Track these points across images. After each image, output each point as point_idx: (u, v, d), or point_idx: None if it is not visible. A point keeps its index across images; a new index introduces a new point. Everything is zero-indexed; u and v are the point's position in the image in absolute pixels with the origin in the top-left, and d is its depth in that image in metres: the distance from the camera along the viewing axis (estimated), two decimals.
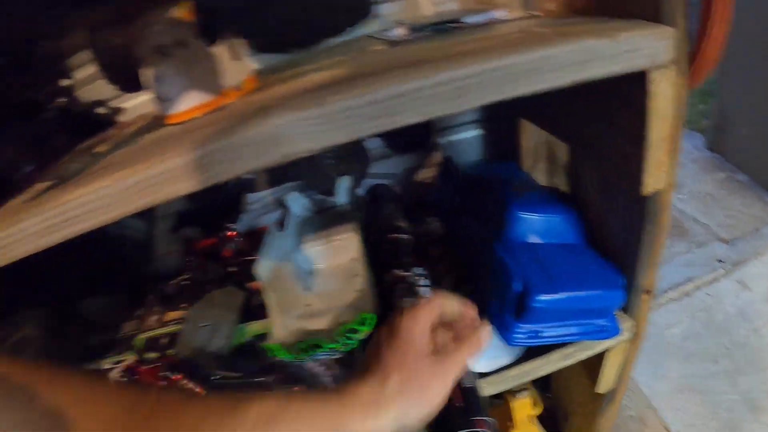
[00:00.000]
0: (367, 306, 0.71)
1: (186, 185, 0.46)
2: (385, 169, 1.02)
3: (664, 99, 0.55)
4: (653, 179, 0.62)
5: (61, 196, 0.50)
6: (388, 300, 0.71)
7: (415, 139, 0.99)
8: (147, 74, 0.60)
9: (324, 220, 0.90)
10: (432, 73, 0.45)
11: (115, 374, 0.93)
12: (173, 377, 0.76)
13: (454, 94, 0.46)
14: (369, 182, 0.99)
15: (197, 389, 0.75)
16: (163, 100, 0.61)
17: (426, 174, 1.01)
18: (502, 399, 1.00)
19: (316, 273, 0.85)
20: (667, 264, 1.84)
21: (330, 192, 0.96)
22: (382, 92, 0.44)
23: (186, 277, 1.01)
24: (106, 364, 0.97)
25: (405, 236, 0.81)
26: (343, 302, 0.79)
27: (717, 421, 1.35)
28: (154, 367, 0.80)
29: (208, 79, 0.60)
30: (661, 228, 0.68)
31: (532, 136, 0.96)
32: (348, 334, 0.66)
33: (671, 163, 0.61)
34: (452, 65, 0.45)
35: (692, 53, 0.56)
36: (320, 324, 0.75)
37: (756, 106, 2.13)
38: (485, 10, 0.74)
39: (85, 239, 1.00)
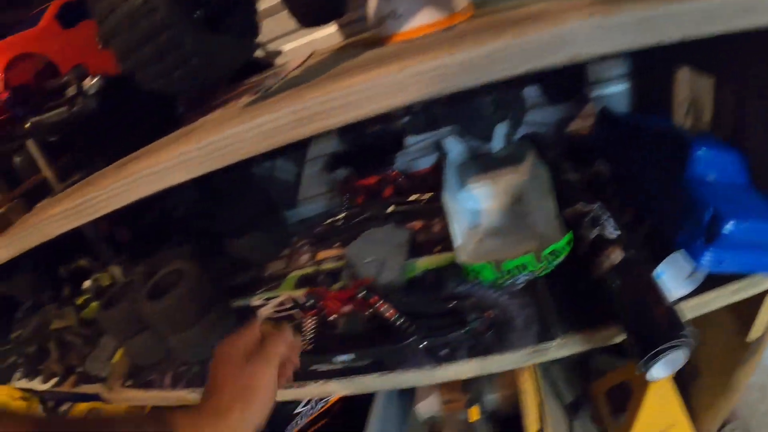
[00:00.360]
0: (555, 235, 0.83)
1: (477, 77, 0.54)
2: (539, 119, 1.14)
3: None
4: None
5: (309, 93, 0.57)
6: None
7: (569, 90, 1.11)
8: None
9: (489, 162, 1.03)
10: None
11: (267, 309, 1.08)
12: (371, 299, 0.88)
13: (701, 19, 0.58)
14: (523, 131, 1.13)
15: (390, 312, 0.87)
16: (395, 17, 0.71)
17: (578, 125, 1.13)
18: None
19: (484, 211, 0.98)
20: None
21: (486, 138, 1.09)
22: (650, 13, 0.56)
23: (339, 217, 1.15)
24: (256, 300, 1.12)
25: (575, 175, 0.93)
26: (518, 236, 0.92)
27: None
28: (345, 291, 0.93)
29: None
30: None
31: (682, 89, 1.07)
32: (551, 256, 0.78)
33: None
34: None
35: None
36: (502, 255, 0.87)
37: None
38: None
39: (235, 180, 1.14)
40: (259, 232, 1.17)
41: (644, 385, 1.12)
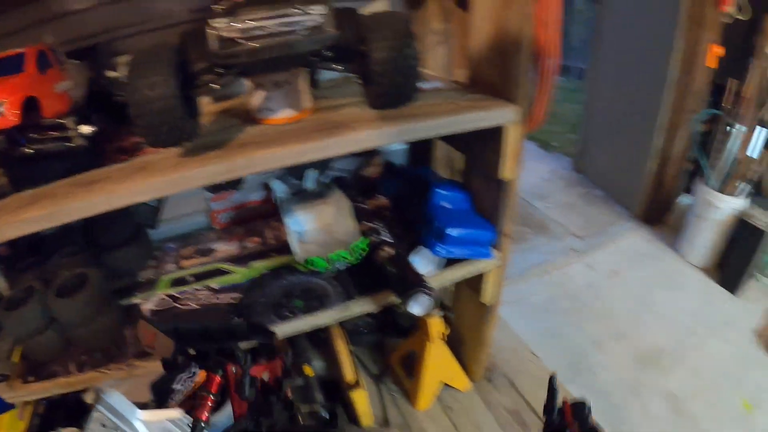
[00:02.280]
0: (356, 239, 1.37)
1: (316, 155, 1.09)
2: (341, 165, 1.70)
3: (512, 137, 1.28)
4: (507, 173, 1.35)
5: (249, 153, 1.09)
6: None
7: None
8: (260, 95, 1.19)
9: (306, 197, 1.55)
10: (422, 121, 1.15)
11: (147, 305, 1.47)
12: None
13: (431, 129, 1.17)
14: (330, 173, 1.68)
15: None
16: (269, 110, 1.19)
17: (370, 171, 1.71)
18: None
19: (306, 231, 1.50)
20: (531, 251, 2.71)
21: (302, 179, 1.62)
22: (404, 127, 1.12)
23: None
24: (137, 299, 1.50)
25: (363, 205, 1.49)
26: (331, 244, 1.45)
27: (571, 355, 2.14)
28: None
29: (298, 101, 1.20)
30: (513, 198, 1.42)
31: (440, 151, 1.72)
32: (357, 250, 1.31)
33: (515, 165, 1.35)
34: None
35: (530, 110, 1.31)
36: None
37: (610, 138, 3.22)
38: (430, 79, 1.48)
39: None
40: (130, 248, 1.56)
41: (423, 350, 1.70)
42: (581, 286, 2.54)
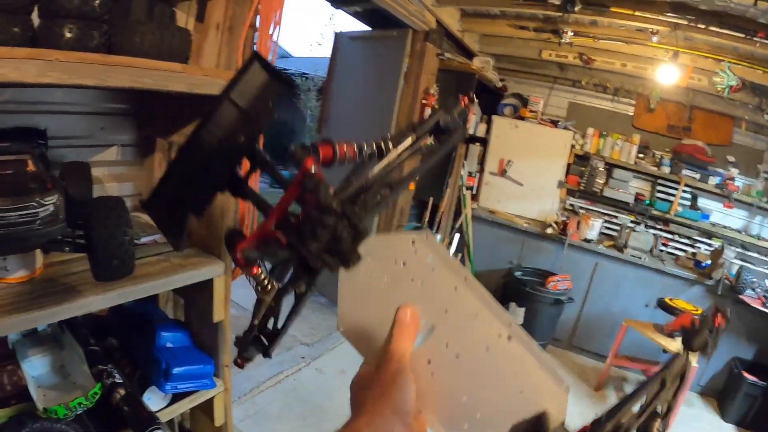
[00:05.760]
0: (90, 385, 1.64)
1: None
2: None
3: (220, 287, 1.73)
4: (218, 316, 1.78)
5: None
6: None
7: None
8: None
9: (40, 340, 1.78)
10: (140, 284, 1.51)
11: None
12: None
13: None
14: None
15: None
16: (4, 270, 1.46)
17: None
18: None
19: (43, 376, 1.72)
20: (265, 364, 3.09)
21: None
22: (138, 288, 1.47)
23: None
24: None
25: (95, 347, 1.76)
26: (69, 388, 1.68)
27: None
28: None
29: (33, 263, 1.49)
30: (226, 336, 1.84)
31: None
32: (93, 396, 1.58)
33: (224, 309, 1.78)
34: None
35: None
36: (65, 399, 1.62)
37: None
38: (149, 231, 1.83)
39: None
40: None
41: None
42: (312, 389, 3.00)
